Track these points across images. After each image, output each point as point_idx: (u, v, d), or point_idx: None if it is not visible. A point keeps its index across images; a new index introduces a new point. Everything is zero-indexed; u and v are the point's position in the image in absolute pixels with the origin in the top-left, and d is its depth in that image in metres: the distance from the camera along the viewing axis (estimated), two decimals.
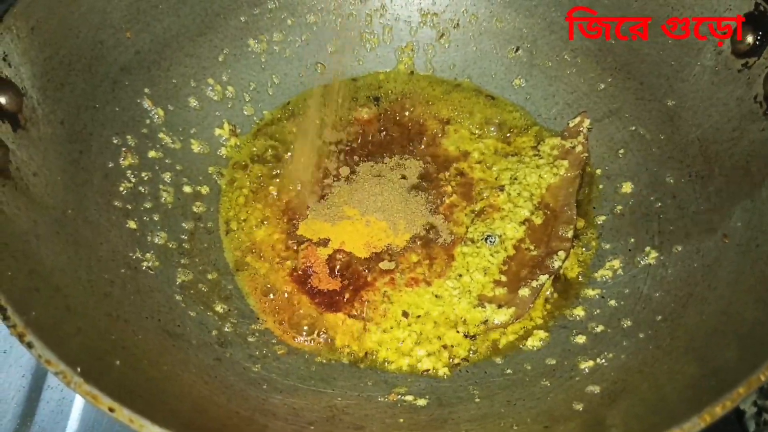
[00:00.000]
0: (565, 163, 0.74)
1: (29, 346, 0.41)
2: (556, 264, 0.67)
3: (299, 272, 0.67)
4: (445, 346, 0.63)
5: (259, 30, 0.79)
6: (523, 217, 0.71)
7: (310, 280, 0.67)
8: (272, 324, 0.64)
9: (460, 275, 0.67)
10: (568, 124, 0.77)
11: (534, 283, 0.66)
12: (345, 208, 0.72)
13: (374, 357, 0.63)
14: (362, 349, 0.63)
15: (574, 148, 0.75)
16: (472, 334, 0.64)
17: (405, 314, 0.65)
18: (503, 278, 0.67)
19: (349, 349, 0.63)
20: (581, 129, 0.76)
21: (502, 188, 0.74)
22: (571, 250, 0.69)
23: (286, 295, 0.66)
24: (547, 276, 0.66)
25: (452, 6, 0.83)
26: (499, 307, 0.65)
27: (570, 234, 0.69)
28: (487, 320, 0.64)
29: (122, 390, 0.43)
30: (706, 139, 0.65)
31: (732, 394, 0.41)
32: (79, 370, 0.40)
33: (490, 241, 0.69)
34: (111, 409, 0.39)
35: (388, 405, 0.57)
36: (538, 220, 0.71)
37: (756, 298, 0.51)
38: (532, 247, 0.69)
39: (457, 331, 0.64)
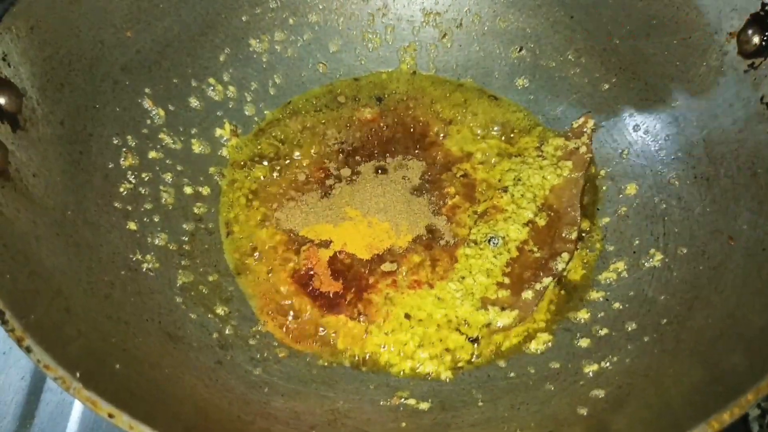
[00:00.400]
0: (569, 163, 0.74)
1: (28, 350, 0.40)
2: (560, 266, 0.67)
3: (301, 274, 0.67)
4: (447, 349, 0.63)
5: (261, 29, 0.78)
6: (526, 219, 0.70)
7: (311, 281, 0.67)
8: (273, 326, 0.64)
9: (463, 277, 0.67)
10: (572, 124, 0.77)
11: (537, 286, 0.66)
12: (347, 209, 0.72)
13: (376, 360, 0.62)
14: (364, 352, 0.63)
15: (578, 148, 0.74)
16: (474, 336, 0.63)
17: (407, 316, 0.64)
18: (506, 280, 0.67)
19: (350, 351, 0.63)
20: (585, 129, 0.75)
21: (505, 189, 0.73)
22: (575, 252, 0.68)
23: (287, 297, 0.65)
24: (550, 278, 0.66)
25: (455, 5, 0.82)
26: (503, 309, 0.64)
27: (574, 236, 0.69)
28: (490, 323, 0.64)
29: (122, 394, 0.43)
30: (711, 140, 0.65)
31: (740, 400, 0.41)
32: (78, 374, 0.40)
33: (493, 243, 0.69)
34: (110, 415, 0.38)
35: (390, 409, 0.57)
36: (541, 222, 0.70)
37: (763, 302, 0.51)
38: (535, 249, 0.69)
39: (460, 334, 0.63)
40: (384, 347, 0.63)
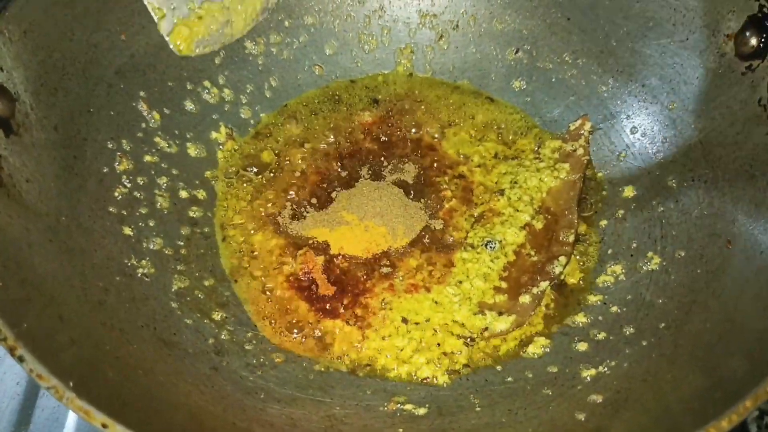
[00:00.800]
0: (566, 166, 0.73)
1: (20, 359, 0.40)
2: (557, 270, 0.66)
3: (297, 278, 0.67)
4: (445, 354, 0.62)
5: (256, 32, 0.78)
6: (523, 222, 0.70)
7: (308, 286, 0.66)
8: (269, 331, 0.63)
9: (460, 281, 0.67)
10: (569, 126, 0.76)
11: (535, 290, 0.65)
12: (343, 214, 0.71)
13: (373, 365, 0.62)
14: (361, 357, 0.62)
15: (575, 151, 0.74)
16: (472, 341, 0.63)
17: (404, 321, 0.64)
18: (504, 284, 0.66)
19: (347, 356, 0.62)
20: (582, 132, 0.75)
21: (502, 192, 0.73)
22: (572, 256, 0.68)
23: (284, 301, 0.65)
24: (548, 282, 0.66)
25: (451, 7, 0.82)
26: (500, 314, 0.64)
27: (571, 239, 0.68)
28: (487, 327, 0.63)
29: (116, 403, 0.43)
30: (709, 142, 0.65)
31: (738, 407, 0.40)
32: (71, 384, 0.39)
33: (491, 247, 0.69)
34: (104, 425, 0.38)
35: (387, 414, 0.57)
36: (538, 225, 0.70)
37: (761, 306, 0.51)
38: (532, 253, 0.68)
39: (457, 338, 0.63)
40: (381, 352, 0.63)
